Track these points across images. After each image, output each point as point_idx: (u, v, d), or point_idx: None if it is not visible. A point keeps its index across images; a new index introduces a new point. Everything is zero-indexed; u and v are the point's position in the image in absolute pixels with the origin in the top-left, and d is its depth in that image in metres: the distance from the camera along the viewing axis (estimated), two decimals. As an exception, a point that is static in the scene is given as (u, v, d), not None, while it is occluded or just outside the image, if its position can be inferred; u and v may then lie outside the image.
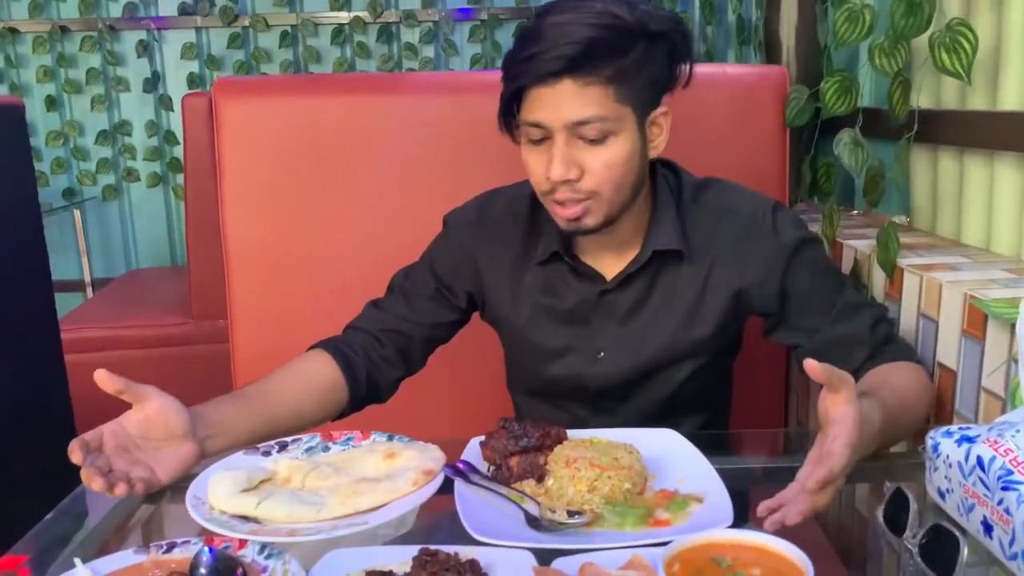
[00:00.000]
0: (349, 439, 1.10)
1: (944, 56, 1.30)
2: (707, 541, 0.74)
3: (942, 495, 0.92)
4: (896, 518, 0.88)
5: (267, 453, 1.07)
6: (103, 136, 3.80)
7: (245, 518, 0.92)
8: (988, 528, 0.84)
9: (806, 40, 1.77)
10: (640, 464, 0.97)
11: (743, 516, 0.89)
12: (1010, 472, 0.82)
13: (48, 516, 0.99)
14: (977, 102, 1.39)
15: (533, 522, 0.89)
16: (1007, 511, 0.81)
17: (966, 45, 1.28)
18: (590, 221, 1.13)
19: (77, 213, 3.72)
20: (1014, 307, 1.00)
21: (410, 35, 3.80)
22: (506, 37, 3.78)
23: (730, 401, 1.41)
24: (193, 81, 3.73)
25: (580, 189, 1.10)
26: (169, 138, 3.80)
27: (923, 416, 1.12)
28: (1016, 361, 0.99)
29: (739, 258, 1.20)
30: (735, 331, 1.28)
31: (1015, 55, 1.29)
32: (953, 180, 1.47)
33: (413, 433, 1.09)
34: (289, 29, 3.75)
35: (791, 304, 1.21)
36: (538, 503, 0.92)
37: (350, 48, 3.78)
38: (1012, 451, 0.84)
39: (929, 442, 0.94)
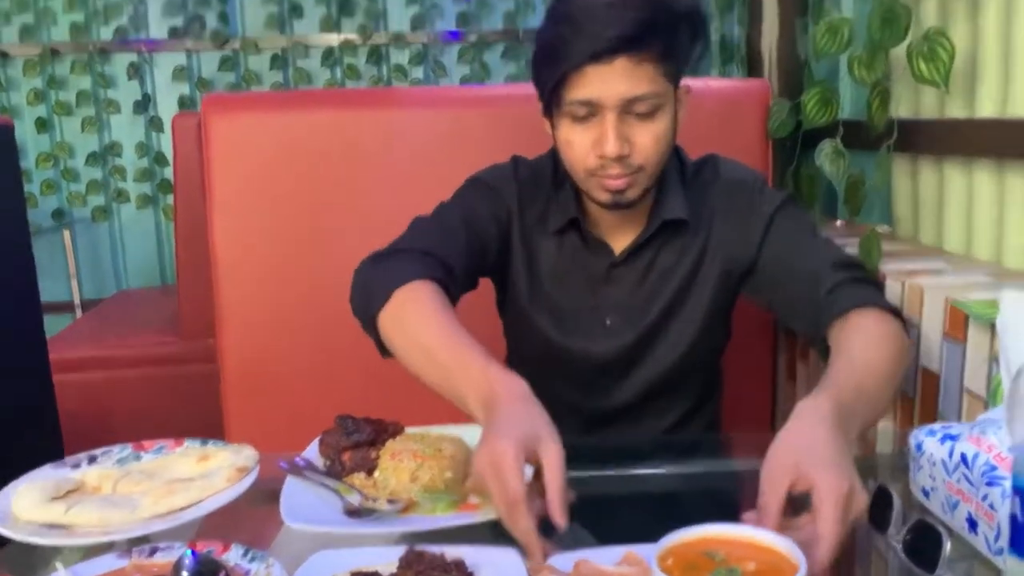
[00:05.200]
0: (161, 448, 1.08)
1: (922, 65, 1.32)
2: (700, 536, 0.74)
3: (926, 494, 0.93)
4: (880, 516, 0.88)
5: (76, 466, 1.04)
6: (93, 157, 3.80)
7: (54, 526, 0.91)
8: (973, 524, 0.85)
9: (787, 55, 1.80)
10: (464, 454, 0.99)
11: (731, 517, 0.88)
12: (994, 468, 0.83)
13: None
14: (955, 111, 1.41)
15: (351, 510, 0.92)
16: (991, 506, 0.82)
17: (943, 54, 1.30)
18: (632, 194, 1.17)
19: (67, 234, 3.71)
20: (994, 307, 1.01)
21: (400, 56, 3.83)
22: (494, 58, 3.81)
23: (720, 394, 1.42)
24: (184, 103, 3.74)
25: (630, 164, 1.14)
26: (159, 159, 3.81)
27: (897, 374, 1.06)
28: (997, 360, 1.00)
29: (730, 223, 1.26)
30: (727, 302, 1.30)
31: (991, 63, 1.32)
32: (933, 188, 1.49)
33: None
34: (280, 52, 3.77)
35: (763, 257, 1.24)
36: (363, 494, 0.95)
37: (340, 69, 3.81)
38: (995, 447, 0.84)
39: (912, 441, 0.95)
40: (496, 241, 1.28)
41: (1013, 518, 0.65)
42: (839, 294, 1.13)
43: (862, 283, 1.15)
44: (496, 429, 0.87)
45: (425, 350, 1.04)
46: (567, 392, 1.30)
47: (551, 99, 1.15)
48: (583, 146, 1.14)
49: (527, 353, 1.35)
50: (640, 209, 1.24)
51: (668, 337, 1.28)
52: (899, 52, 1.41)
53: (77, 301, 3.78)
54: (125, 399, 2.88)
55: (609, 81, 1.09)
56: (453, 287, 1.16)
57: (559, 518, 0.81)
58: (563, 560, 0.80)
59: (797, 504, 0.79)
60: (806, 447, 0.82)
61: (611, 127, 1.11)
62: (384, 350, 1.14)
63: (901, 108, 1.52)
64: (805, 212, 1.30)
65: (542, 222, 1.29)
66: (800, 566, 0.68)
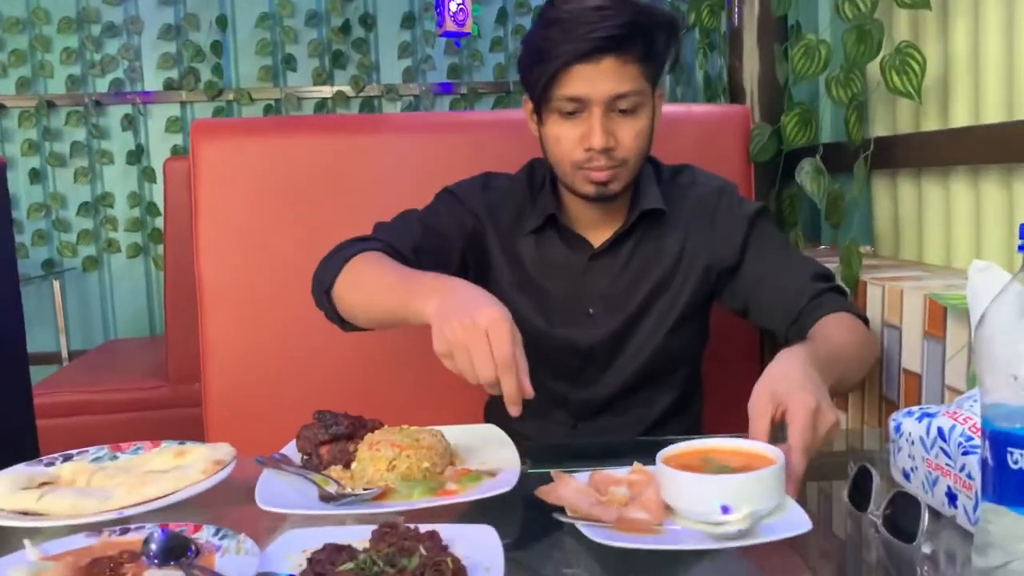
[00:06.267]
0: (138, 448, 1.08)
1: (895, 78, 1.36)
2: (698, 448, 0.88)
3: (907, 475, 0.92)
4: (861, 496, 0.88)
5: (51, 464, 1.03)
6: (85, 208, 3.83)
7: (26, 513, 0.90)
8: (952, 498, 0.84)
9: (768, 83, 1.83)
10: (442, 446, 1.00)
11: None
12: (970, 438, 0.82)
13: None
14: (930, 126, 1.44)
15: (326, 497, 0.92)
16: (969, 476, 0.81)
17: (915, 66, 1.33)
18: (615, 186, 1.24)
19: (56, 284, 3.71)
20: (970, 296, 1.01)
21: (391, 107, 3.89)
22: (485, 109, 3.88)
23: (702, 395, 1.45)
24: (176, 152, 3.79)
25: (614, 157, 1.21)
26: (151, 209, 3.84)
27: (865, 361, 1.21)
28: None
29: (711, 222, 1.32)
30: (705, 298, 1.35)
31: (962, 77, 1.35)
32: (912, 204, 1.51)
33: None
34: (273, 103, 3.84)
35: (746, 262, 1.31)
36: (340, 483, 0.95)
37: (332, 121, 3.87)
38: (971, 418, 0.84)
39: (892, 424, 0.95)
40: (460, 244, 1.33)
41: (984, 462, 0.65)
42: (820, 301, 1.22)
43: (838, 293, 1.27)
44: (472, 301, 0.99)
45: (382, 288, 1.13)
46: (554, 383, 1.33)
47: (541, 97, 1.21)
48: (571, 140, 1.21)
49: None
50: (618, 204, 1.30)
51: (648, 326, 1.32)
52: (874, 70, 1.44)
53: (64, 354, 3.75)
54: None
55: (596, 79, 1.16)
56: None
57: (527, 388, 0.96)
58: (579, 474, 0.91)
59: (780, 438, 0.89)
60: (781, 378, 0.93)
61: (598, 121, 1.18)
62: (343, 323, 1.23)
63: (878, 128, 1.55)
64: (774, 225, 1.40)
65: (519, 224, 1.34)
66: (778, 459, 0.82)
